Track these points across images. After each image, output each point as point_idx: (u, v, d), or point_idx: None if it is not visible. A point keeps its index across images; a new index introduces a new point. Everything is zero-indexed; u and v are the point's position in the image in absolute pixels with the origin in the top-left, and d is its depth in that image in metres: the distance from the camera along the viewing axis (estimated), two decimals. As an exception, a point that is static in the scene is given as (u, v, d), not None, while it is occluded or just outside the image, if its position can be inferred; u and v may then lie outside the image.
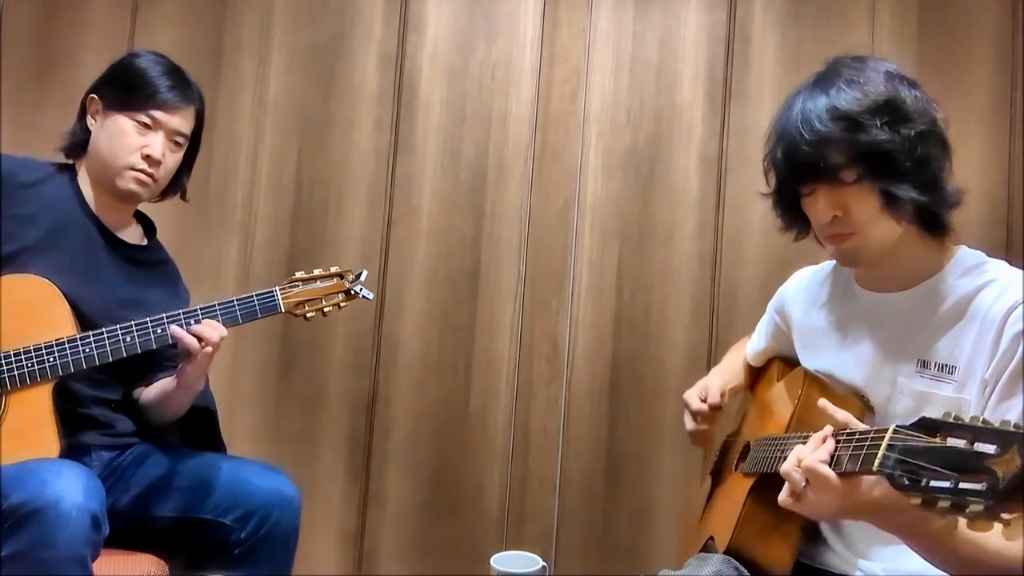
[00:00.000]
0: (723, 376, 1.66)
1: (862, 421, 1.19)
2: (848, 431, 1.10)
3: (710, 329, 2.46)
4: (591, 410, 2.47)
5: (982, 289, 1.24)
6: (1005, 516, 0.86)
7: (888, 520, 1.11)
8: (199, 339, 1.55)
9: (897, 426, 0.99)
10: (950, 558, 1.10)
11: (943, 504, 0.88)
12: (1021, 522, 0.86)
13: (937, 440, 0.92)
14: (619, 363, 2.47)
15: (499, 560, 2.32)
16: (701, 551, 1.41)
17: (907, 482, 0.92)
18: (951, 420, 0.92)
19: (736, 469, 1.51)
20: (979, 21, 2.45)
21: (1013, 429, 0.86)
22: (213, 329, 1.57)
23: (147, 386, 1.72)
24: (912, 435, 0.95)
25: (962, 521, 0.89)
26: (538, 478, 2.46)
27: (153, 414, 1.72)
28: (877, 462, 0.98)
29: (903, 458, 0.94)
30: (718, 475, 1.63)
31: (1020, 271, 1.25)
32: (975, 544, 1.06)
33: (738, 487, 1.42)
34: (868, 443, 1.02)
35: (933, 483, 0.90)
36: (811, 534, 1.34)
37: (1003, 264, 1.28)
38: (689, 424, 1.60)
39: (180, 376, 1.61)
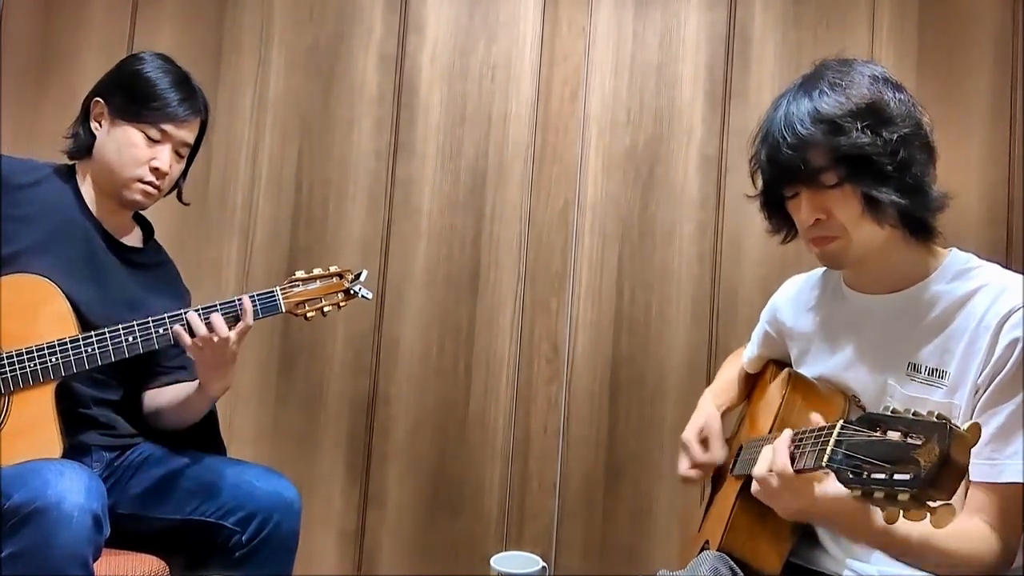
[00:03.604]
0: (717, 399, 1.63)
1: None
2: (808, 430, 1.12)
3: (710, 329, 2.46)
4: (591, 410, 2.47)
5: (974, 294, 1.23)
6: (931, 504, 0.92)
7: (836, 519, 1.16)
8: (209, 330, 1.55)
9: (844, 422, 1.03)
10: (899, 553, 1.16)
11: (878, 495, 0.94)
12: (948, 509, 0.92)
13: (878, 434, 0.97)
14: (619, 363, 2.47)
15: (499, 560, 2.32)
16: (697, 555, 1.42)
17: (851, 476, 0.98)
18: (888, 414, 0.97)
19: (730, 472, 1.51)
20: (979, 21, 2.45)
21: (935, 420, 0.92)
22: (219, 324, 1.56)
23: (155, 388, 1.73)
24: (858, 431, 1.00)
25: (902, 517, 0.95)
26: (538, 478, 2.46)
27: (166, 419, 1.72)
28: (827, 457, 1.03)
29: (849, 453, 0.99)
30: (717, 481, 1.63)
31: (1014, 275, 1.24)
32: (918, 537, 1.12)
33: (730, 490, 1.43)
34: (822, 439, 1.07)
35: (873, 475, 0.95)
36: (804, 535, 1.34)
37: (995, 268, 1.27)
38: (684, 469, 1.54)
39: (200, 378, 1.63)
